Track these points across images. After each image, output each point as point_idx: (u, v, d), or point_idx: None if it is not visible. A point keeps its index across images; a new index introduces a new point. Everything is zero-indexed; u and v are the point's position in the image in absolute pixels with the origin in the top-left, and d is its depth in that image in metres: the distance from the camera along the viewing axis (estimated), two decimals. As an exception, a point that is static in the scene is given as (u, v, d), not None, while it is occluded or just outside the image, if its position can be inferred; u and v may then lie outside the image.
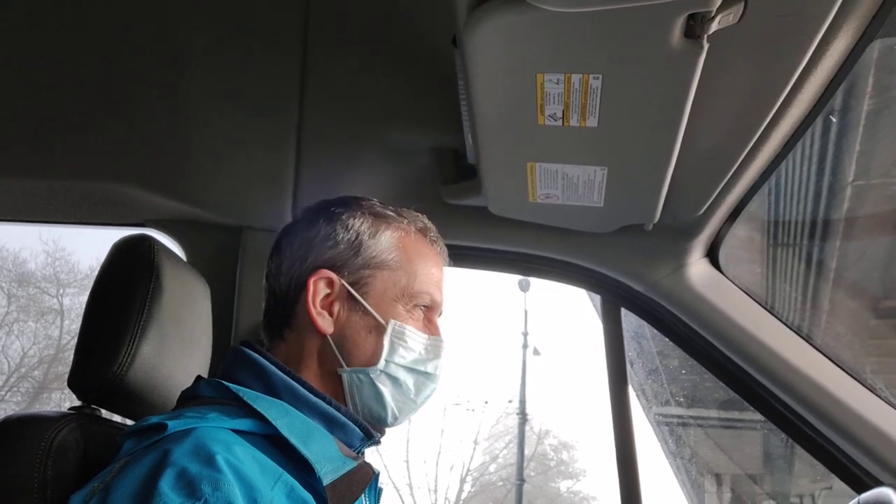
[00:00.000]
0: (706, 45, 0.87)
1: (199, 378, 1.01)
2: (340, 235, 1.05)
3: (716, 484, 5.20)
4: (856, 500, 1.20)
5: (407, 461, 13.64)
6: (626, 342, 1.60)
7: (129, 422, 1.00)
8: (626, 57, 0.91)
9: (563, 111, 1.01)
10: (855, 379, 1.40)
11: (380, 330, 1.02)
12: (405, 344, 1.02)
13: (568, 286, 1.61)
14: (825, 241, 2.70)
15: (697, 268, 1.48)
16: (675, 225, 1.40)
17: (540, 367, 17.79)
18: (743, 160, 1.16)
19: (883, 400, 1.37)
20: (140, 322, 1.01)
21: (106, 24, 1.41)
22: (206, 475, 0.77)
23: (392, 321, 1.02)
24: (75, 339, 1.05)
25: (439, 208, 1.37)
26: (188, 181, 1.43)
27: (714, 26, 0.83)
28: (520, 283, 12.56)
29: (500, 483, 14.33)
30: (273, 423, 0.90)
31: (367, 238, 1.05)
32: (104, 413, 1.05)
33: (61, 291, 11.83)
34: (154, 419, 0.88)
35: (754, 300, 1.47)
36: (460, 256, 1.41)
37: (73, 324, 11.20)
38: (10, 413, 0.96)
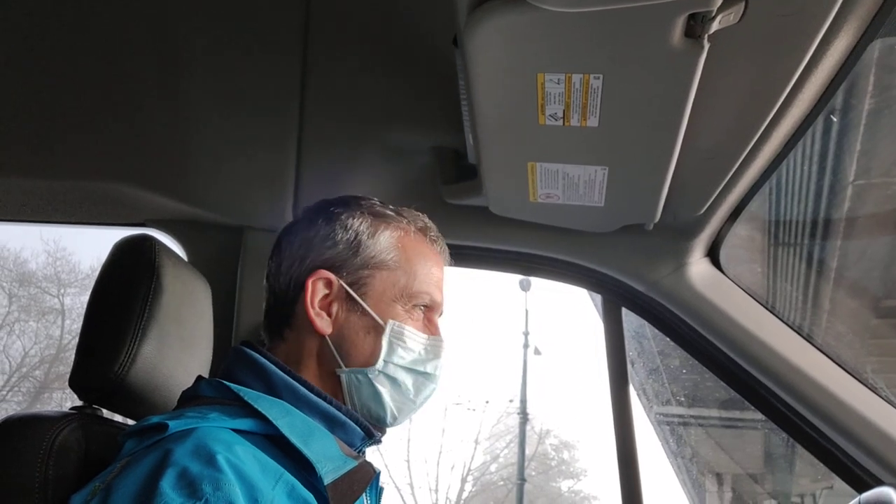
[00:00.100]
0: (707, 45, 0.87)
1: (199, 378, 1.01)
2: (339, 235, 1.05)
3: (717, 483, 5.20)
4: (857, 499, 1.20)
5: (408, 461, 13.66)
6: (626, 342, 1.60)
7: (131, 422, 1.00)
8: (627, 57, 0.91)
9: (564, 111, 1.01)
10: (856, 378, 1.39)
11: (378, 330, 1.02)
12: (404, 344, 1.02)
13: (569, 286, 1.61)
14: (826, 241, 2.70)
15: (698, 267, 1.48)
16: (675, 224, 1.40)
17: (541, 367, 17.85)
18: (743, 160, 1.16)
19: (884, 399, 1.37)
20: (141, 322, 1.01)
21: (106, 24, 1.41)
22: (208, 475, 0.77)
23: (391, 321, 1.02)
24: (76, 339, 1.05)
25: (440, 208, 1.37)
26: (189, 181, 1.43)
27: (715, 26, 0.83)
28: (521, 282, 12.57)
29: (501, 483, 14.34)
30: (274, 422, 0.90)
31: (366, 238, 1.05)
32: (105, 413, 1.05)
33: (62, 291, 11.86)
34: (155, 419, 0.88)
35: (755, 300, 1.47)
36: (461, 256, 1.41)
37: (75, 323, 11.21)
38: (11, 413, 0.96)
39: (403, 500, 13.39)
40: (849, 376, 1.40)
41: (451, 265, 1.15)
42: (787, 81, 0.98)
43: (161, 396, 1.04)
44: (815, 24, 0.88)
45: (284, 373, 0.98)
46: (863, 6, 0.94)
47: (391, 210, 1.10)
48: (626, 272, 1.51)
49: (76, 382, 1.02)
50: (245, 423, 0.89)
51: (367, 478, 0.96)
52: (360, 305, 1.02)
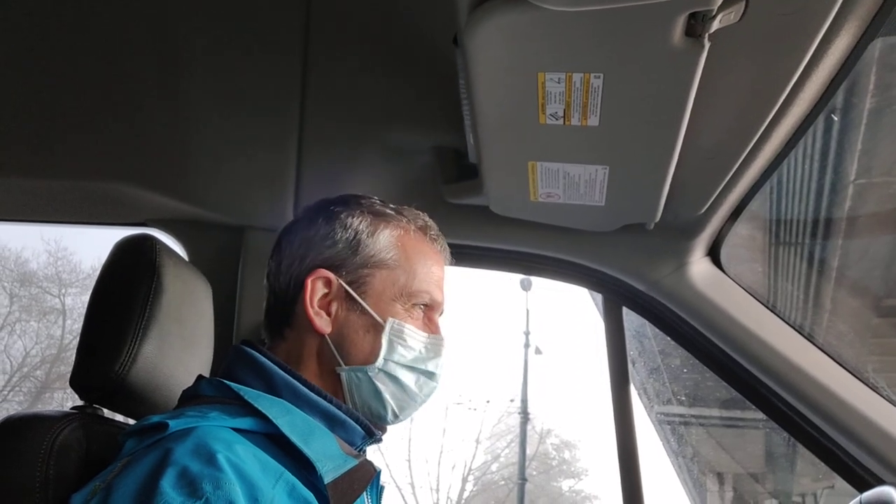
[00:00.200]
0: (707, 44, 0.87)
1: (200, 377, 1.01)
2: (339, 234, 1.05)
3: (718, 483, 5.20)
4: (858, 498, 1.20)
5: (409, 460, 13.67)
6: (627, 341, 1.60)
7: (131, 421, 1.00)
8: (628, 56, 0.91)
9: (565, 110, 1.01)
10: (857, 378, 1.39)
11: (378, 329, 1.02)
12: (404, 342, 1.02)
13: (569, 285, 1.61)
14: (827, 240, 2.69)
15: (699, 267, 1.48)
16: (676, 224, 1.40)
17: (542, 367, 17.85)
18: (744, 159, 1.16)
19: (885, 398, 1.37)
20: (142, 321, 1.01)
21: (106, 24, 1.41)
22: (208, 474, 0.77)
23: (390, 320, 1.02)
24: (77, 339, 1.05)
25: (440, 207, 1.37)
26: (189, 181, 1.43)
27: (715, 25, 0.83)
28: (521, 282, 12.59)
29: (502, 482, 14.34)
30: (274, 421, 0.90)
31: (366, 237, 1.05)
32: (106, 412, 1.05)
33: (63, 291, 11.86)
34: (155, 418, 0.88)
35: (756, 299, 1.47)
36: (462, 256, 1.41)
37: (76, 323, 11.22)
38: (12, 413, 0.96)
39: (404, 499, 13.41)
40: (850, 375, 1.40)
41: (451, 264, 1.15)
42: (788, 80, 0.98)
43: (162, 396, 1.04)
44: (816, 23, 0.88)
45: (285, 372, 0.98)
46: (863, 5, 0.94)
47: (391, 209, 1.10)
48: (627, 271, 1.51)
49: (77, 382, 1.02)
50: (245, 422, 0.89)
51: (367, 477, 0.96)
52: (360, 304, 1.02)
